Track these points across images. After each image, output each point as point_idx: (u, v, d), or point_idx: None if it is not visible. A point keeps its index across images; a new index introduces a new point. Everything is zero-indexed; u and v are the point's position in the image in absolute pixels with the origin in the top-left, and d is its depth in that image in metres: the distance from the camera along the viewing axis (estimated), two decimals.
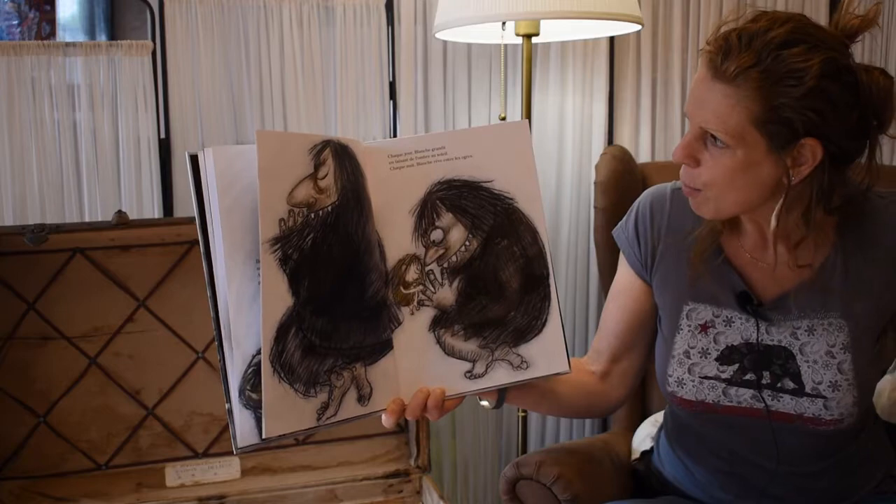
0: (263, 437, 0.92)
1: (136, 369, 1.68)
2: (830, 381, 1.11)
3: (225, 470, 1.73)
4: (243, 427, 0.93)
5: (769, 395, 1.15)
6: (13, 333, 1.60)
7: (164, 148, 1.94)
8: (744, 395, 1.16)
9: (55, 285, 1.61)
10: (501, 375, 1.07)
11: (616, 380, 1.27)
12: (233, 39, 1.94)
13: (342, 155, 0.99)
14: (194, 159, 0.93)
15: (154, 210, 1.93)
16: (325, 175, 0.97)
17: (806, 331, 1.13)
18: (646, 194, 1.27)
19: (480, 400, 1.13)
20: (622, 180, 1.83)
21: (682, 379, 1.19)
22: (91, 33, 1.95)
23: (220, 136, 1.95)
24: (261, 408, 0.92)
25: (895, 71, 2.27)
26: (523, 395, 1.15)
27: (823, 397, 1.12)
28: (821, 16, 2.21)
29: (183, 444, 1.71)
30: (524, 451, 2.01)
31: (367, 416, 1.01)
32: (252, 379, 0.93)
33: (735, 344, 1.17)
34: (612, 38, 2.15)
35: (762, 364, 1.15)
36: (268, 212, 0.92)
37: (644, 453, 1.45)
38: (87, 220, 1.89)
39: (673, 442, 1.32)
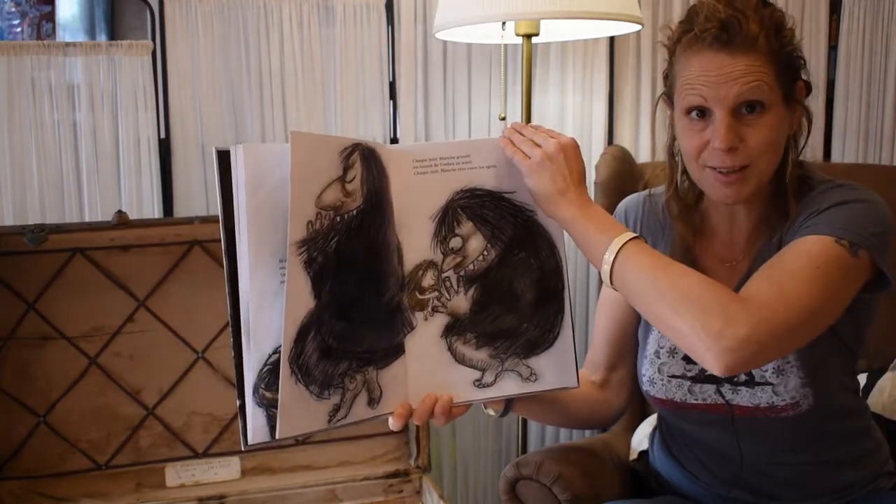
0: (277, 437, 0.92)
1: (136, 369, 1.67)
2: (774, 367, 1.14)
3: (225, 470, 1.73)
4: (255, 425, 0.93)
5: (729, 390, 1.17)
6: (13, 333, 1.60)
7: (164, 148, 1.94)
8: (707, 392, 1.19)
9: (55, 285, 1.61)
10: (510, 386, 1.07)
11: (615, 387, 1.30)
12: (233, 39, 1.94)
13: (369, 158, 0.99)
14: (221, 155, 0.92)
15: (154, 210, 1.93)
16: (353, 178, 0.97)
17: None
18: (621, 203, 1.32)
19: (486, 408, 1.15)
20: (622, 180, 1.83)
21: (653, 378, 1.22)
22: (91, 33, 1.95)
23: (220, 136, 1.95)
24: (274, 406, 0.92)
25: (895, 73, 2.28)
26: (529, 405, 1.17)
27: (770, 384, 1.14)
28: (821, 16, 2.21)
29: (183, 444, 1.71)
30: (524, 451, 2.01)
31: (376, 418, 1.01)
32: (267, 378, 0.93)
33: None
34: (612, 38, 2.15)
35: None
36: (297, 213, 0.92)
37: (642, 453, 1.46)
38: (87, 220, 1.89)
39: (665, 439, 1.34)
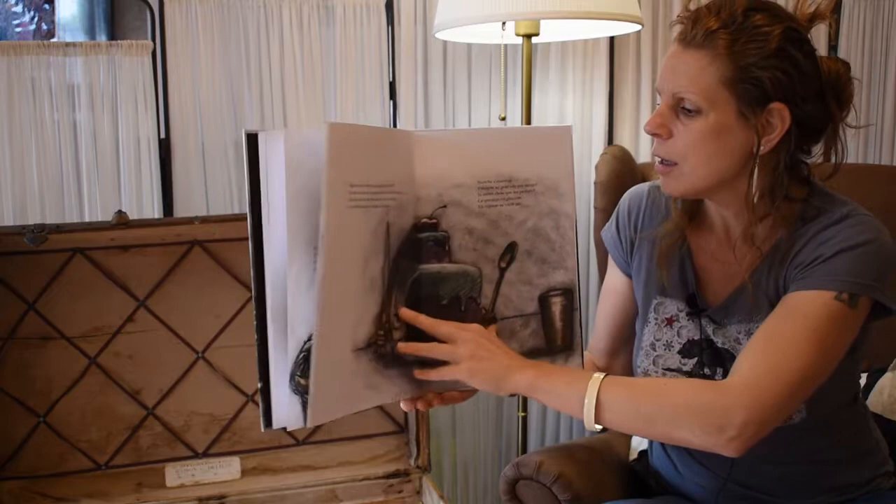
0: (308, 424, 0.94)
1: (136, 369, 1.67)
2: None
3: (225, 470, 1.73)
4: (289, 411, 0.94)
5: None
6: (13, 333, 1.60)
7: (164, 148, 1.94)
8: None
9: (55, 285, 1.60)
10: None
11: (618, 374, 1.32)
12: (233, 39, 1.94)
13: None
14: (252, 138, 0.92)
15: (154, 210, 1.93)
16: None
17: (745, 334, 1.15)
18: (626, 194, 1.31)
19: None
20: (622, 180, 1.83)
21: (648, 370, 1.23)
22: (91, 33, 1.95)
23: (220, 135, 1.96)
24: (308, 393, 0.92)
25: (895, 73, 2.28)
26: None
27: None
28: None
29: (183, 444, 1.71)
30: (524, 451, 2.01)
31: (395, 401, 1.04)
32: (303, 364, 0.94)
33: (695, 338, 1.20)
34: (612, 38, 2.15)
35: (717, 360, 1.18)
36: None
37: (642, 453, 1.46)
38: (87, 220, 1.89)
39: None
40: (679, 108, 1.07)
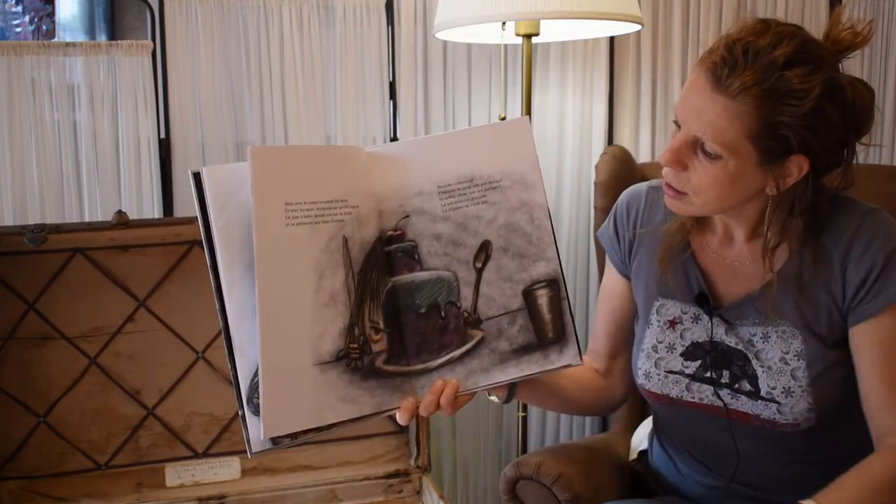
0: (262, 435, 0.94)
1: (136, 369, 1.67)
2: (784, 388, 1.13)
3: (225, 470, 1.73)
4: (254, 433, 0.95)
5: (728, 394, 1.17)
6: (13, 333, 1.60)
7: (164, 148, 1.94)
8: (705, 392, 1.19)
9: (55, 285, 1.61)
10: (511, 371, 1.07)
11: (617, 375, 1.32)
12: (233, 39, 1.94)
13: None
14: (197, 176, 0.94)
15: (154, 210, 1.93)
16: None
17: (761, 337, 1.15)
18: (624, 193, 1.31)
19: (489, 394, 1.14)
20: (622, 180, 1.83)
21: (650, 372, 1.23)
22: (91, 33, 1.95)
23: (220, 136, 1.96)
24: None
25: (895, 73, 2.28)
26: (531, 391, 1.17)
27: (777, 402, 1.14)
28: (821, 17, 2.21)
29: (183, 444, 1.71)
30: (524, 451, 2.01)
31: (382, 414, 1.02)
32: (258, 386, 0.94)
33: (700, 341, 1.20)
34: (612, 38, 2.15)
35: (722, 363, 1.18)
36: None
37: (642, 453, 1.46)
38: (87, 220, 1.89)
39: (660, 437, 1.35)
40: (697, 145, 1.06)
